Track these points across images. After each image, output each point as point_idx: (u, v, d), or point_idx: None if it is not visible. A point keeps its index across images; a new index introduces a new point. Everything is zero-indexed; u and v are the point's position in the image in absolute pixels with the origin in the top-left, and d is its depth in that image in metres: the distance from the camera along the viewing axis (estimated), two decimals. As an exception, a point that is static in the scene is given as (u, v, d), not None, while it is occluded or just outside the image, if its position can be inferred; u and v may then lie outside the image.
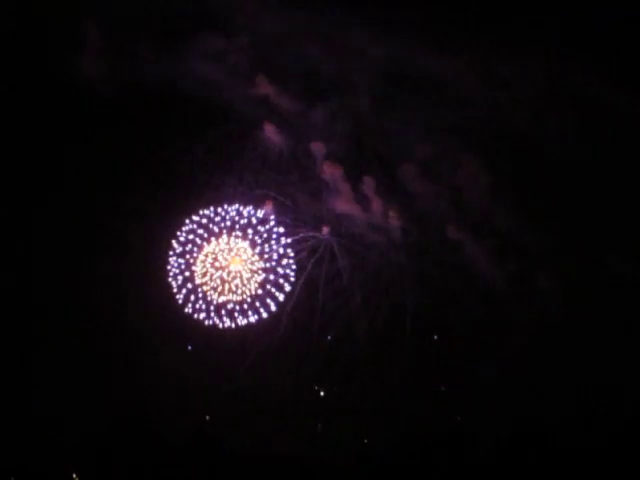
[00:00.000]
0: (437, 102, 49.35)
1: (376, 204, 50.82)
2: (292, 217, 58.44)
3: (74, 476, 50.69)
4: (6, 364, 56.62)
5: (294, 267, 59.92)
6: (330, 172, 52.33)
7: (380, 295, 51.89)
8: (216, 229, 61.13)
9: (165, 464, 52.93)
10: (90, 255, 58.94)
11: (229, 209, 61.03)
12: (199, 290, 61.17)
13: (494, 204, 48.81)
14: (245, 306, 60.17)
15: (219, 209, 61.26)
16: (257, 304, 60.07)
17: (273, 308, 60.13)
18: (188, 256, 61.35)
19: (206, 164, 57.02)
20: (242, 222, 60.91)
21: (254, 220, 60.47)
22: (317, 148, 52.60)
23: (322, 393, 57.94)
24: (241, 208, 60.85)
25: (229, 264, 60.94)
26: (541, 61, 48.53)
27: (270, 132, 53.30)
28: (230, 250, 60.96)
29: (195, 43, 53.65)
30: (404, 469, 49.09)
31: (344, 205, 51.50)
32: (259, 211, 60.23)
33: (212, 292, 61.05)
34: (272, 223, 60.19)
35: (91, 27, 53.62)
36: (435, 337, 52.31)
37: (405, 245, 51.06)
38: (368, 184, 51.71)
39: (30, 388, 56.67)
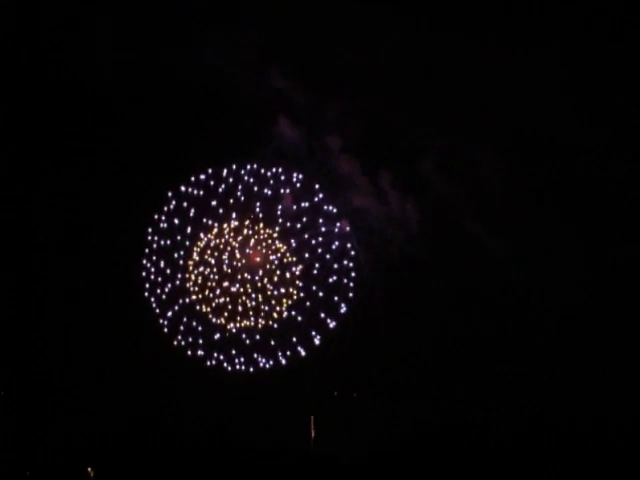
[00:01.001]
0: (454, 95, 49.19)
1: (393, 198, 49.49)
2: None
3: (89, 470, 47.06)
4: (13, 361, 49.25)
5: (354, 274, 42.72)
6: (346, 166, 48.94)
7: (399, 288, 48.09)
8: (220, 207, 43.74)
9: (180, 460, 45.75)
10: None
11: (242, 172, 43.63)
12: (195, 311, 44.02)
13: (512, 198, 48.71)
14: (272, 341, 42.38)
15: (224, 172, 44.11)
16: (294, 338, 42.65)
17: (317, 342, 43.01)
18: (176, 254, 44.50)
19: (221, 157, 48.02)
20: (265, 192, 43.90)
21: (285, 191, 42.93)
22: (333, 142, 49.14)
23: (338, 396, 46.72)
24: (262, 170, 43.16)
25: (244, 268, 42.67)
26: (561, 55, 48.22)
27: (285, 126, 49.25)
28: (245, 243, 42.82)
29: (209, 36, 49.92)
30: (416, 470, 45.53)
31: (361, 199, 49.20)
32: (295, 175, 43.29)
33: (215, 315, 43.00)
34: (320, 197, 43.32)
35: (101, 20, 50.67)
36: (453, 333, 47.82)
37: (423, 238, 48.68)
38: (385, 178, 49.25)
39: (40, 384, 48.99)
